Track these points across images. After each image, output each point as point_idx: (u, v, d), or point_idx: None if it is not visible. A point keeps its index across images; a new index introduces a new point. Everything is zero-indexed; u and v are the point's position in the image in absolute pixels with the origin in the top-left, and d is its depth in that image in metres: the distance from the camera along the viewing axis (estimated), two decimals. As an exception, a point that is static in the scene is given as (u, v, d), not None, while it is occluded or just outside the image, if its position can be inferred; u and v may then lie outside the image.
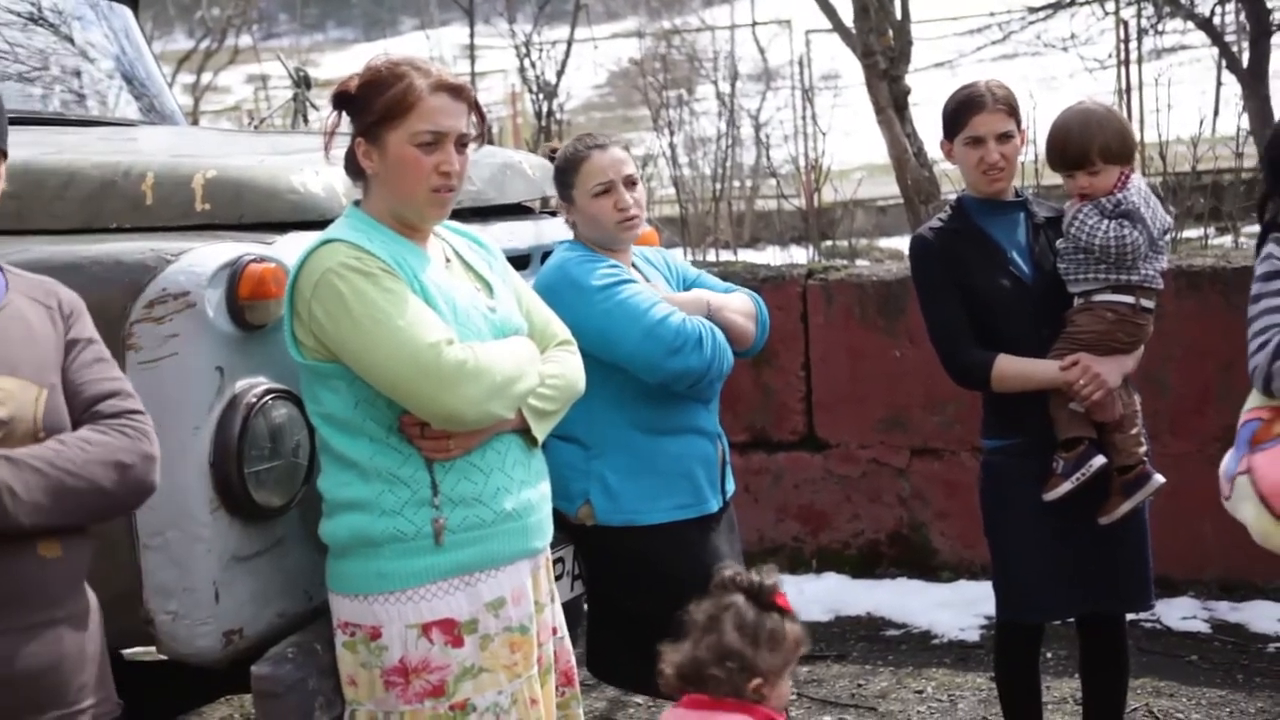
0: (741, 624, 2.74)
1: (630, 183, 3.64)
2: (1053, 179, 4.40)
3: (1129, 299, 3.75)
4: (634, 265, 3.71)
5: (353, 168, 3.00)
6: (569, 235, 3.78)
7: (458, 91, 2.94)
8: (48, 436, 2.43)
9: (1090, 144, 3.70)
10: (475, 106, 3.01)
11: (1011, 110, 3.81)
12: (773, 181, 11.22)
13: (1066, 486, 3.70)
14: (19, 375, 2.43)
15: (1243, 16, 13.42)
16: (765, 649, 2.73)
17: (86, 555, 2.54)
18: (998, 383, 3.76)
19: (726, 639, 2.73)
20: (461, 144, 2.95)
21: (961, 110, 3.80)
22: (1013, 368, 3.74)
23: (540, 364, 3.05)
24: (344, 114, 2.98)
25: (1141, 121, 11.20)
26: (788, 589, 2.82)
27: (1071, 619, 4.07)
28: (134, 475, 2.49)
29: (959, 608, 5.64)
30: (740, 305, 3.76)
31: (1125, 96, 14.00)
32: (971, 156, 3.79)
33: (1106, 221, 3.68)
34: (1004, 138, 3.78)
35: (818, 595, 5.84)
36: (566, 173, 3.67)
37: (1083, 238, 3.70)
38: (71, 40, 4.47)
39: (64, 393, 2.50)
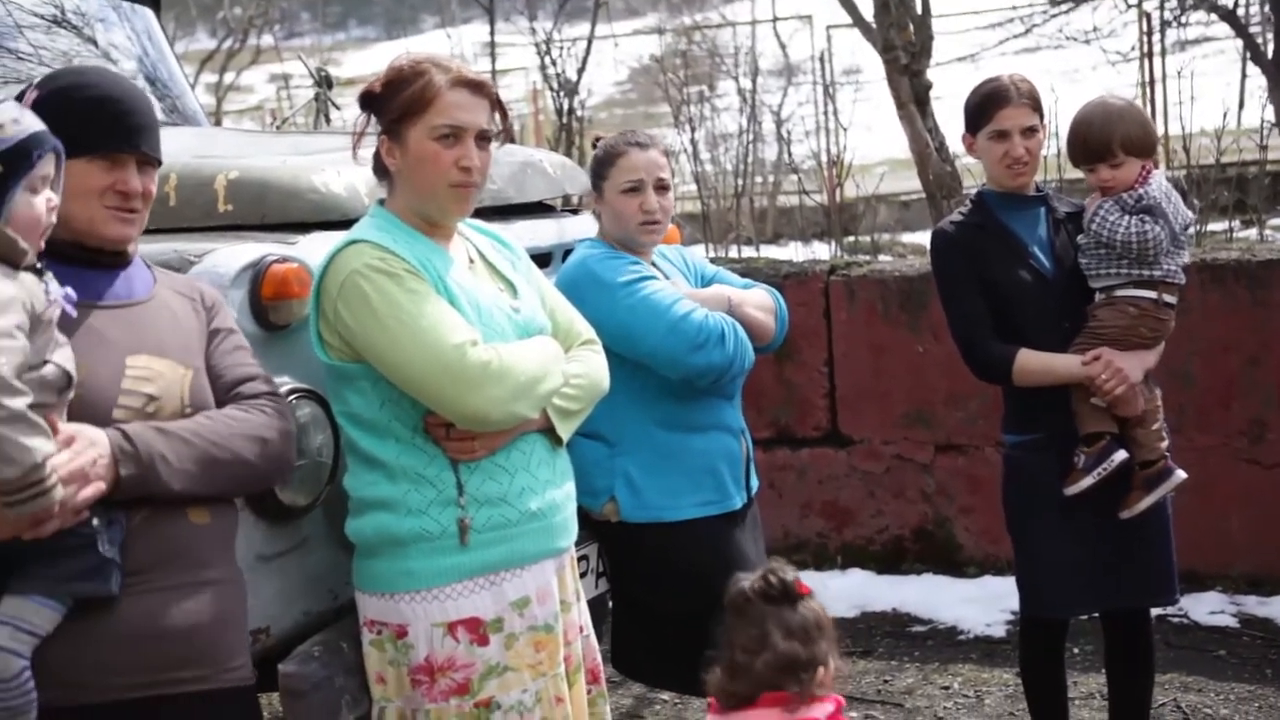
0: (789, 630, 2.65)
1: (661, 187, 3.64)
2: (1075, 174, 4.38)
3: (1151, 294, 3.73)
4: (653, 263, 3.72)
5: (380, 167, 3.01)
6: (591, 233, 3.78)
7: (478, 87, 2.94)
8: (194, 413, 2.57)
9: (1112, 135, 3.69)
10: (497, 102, 3.00)
11: (1035, 104, 3.80)
12: (794, 177, 11.20)
13: (1088, 481, 3.69)
14: (167, 357, 2.58)
15: (1267, 8, 13.36)
16: (818, 641, 2.66)
17: (234, 525, 2.69)
18: (1019, 377, 3.75)
19: (785, 649, 2.63)
20: (483, 139, 2.96)
21: (986, 104, 3.79)
22: (1035, 362, 3.73)
23: (564, 363, 3.05)
24: (371, 115, 2.99)
25: (1165, 114, 11.16)
26: (813, 585, 2.80)
27: (1096, 614, 4.06)
28: (274, 449, 2.65)
29: (984, 603, 5.64)
30: (760, 301, 3.76)
31: (1148, 89, 13.94)
32: (996, 151, 3.79)
33: (1128, 218, 3.67)
34: (1028, 132, 3.77)
35: (843, 591, 5.83)
36: (603, 164, 3.68)
37: (1104, 234, 3.69)
38: (94, 42, 4.47)
39: (207, 376, 2.64)
